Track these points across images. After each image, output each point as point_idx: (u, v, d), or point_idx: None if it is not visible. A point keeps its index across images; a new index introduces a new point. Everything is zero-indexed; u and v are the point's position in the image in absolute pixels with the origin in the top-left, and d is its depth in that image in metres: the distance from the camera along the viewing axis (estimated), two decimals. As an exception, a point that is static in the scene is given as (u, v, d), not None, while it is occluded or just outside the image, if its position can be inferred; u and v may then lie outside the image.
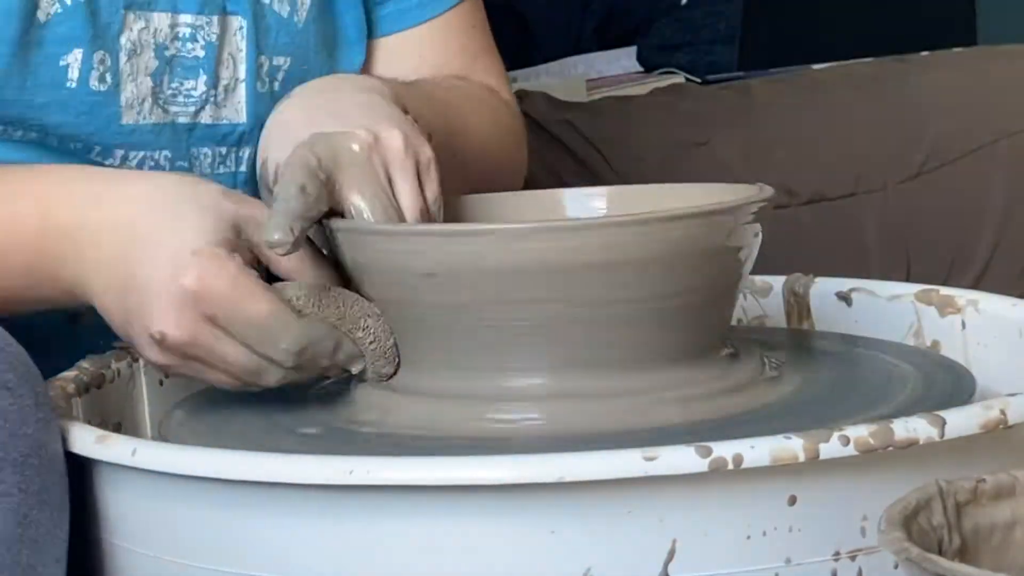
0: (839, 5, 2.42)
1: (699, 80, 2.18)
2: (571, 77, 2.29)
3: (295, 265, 0.92)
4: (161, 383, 1.03)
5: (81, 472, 0.87)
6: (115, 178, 0.98)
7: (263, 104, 1.10)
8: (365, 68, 1.18)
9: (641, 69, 2.42)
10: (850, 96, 1.79)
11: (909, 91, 1.77)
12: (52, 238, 0.95)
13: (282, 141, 0.96)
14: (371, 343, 0.91)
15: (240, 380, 0.91)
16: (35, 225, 0.95)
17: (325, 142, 0.92)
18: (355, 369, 0.92)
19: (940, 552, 0.67)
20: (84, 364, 0.99)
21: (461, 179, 1.07)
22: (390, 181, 0.94)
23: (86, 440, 0.84)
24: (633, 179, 1.48)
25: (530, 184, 1.33)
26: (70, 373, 0.97)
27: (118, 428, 1.00)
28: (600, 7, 2.56)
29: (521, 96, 1.80)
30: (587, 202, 1.04)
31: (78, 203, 0.95)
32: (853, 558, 0.76)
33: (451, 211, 1.04)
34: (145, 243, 0.91)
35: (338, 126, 0.94)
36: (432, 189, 0.95)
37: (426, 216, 0.94)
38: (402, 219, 0.93)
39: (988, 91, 1.76)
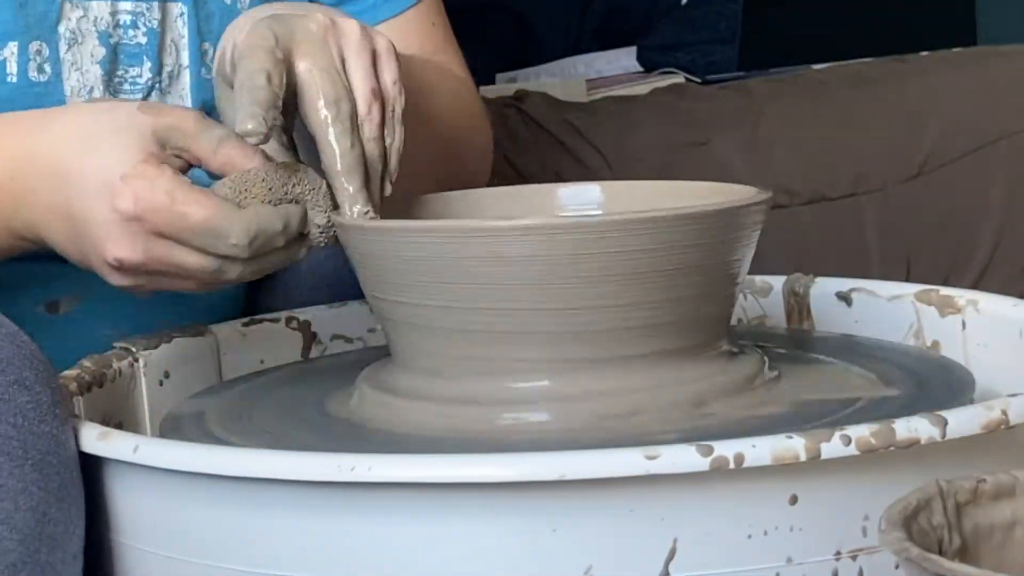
0: (839, 5, 2.42)
1: (699, 80, 2.18)
2: (571, 77, 2.29)
3: (224, 160, 0.94)
4: (161, 383, 1.03)
5: (85, 469, 0.88)
6: (37, 122, 0.98)
7: (207, 90, 1.10)
8: None
9: (641, 69, 2.42)
10: (850, 96, 1.79)
11: (909, 91, 1.77)
12: None
13: (240, 27, 0.97)
14: (310, 192, 0.93)
15: (205, 282, 0.94)
16: None
17: (282, 21, 0.94)
18: (313, 230, 0.93)
19: (940, 552, 0.67)
20: (85, 363, 0.99)
21: (425, 137, 1.07)
22: (344, 63, 0.94)
23: (88, 437, 0.84)
24: (633, 179, 1.48)
25: (530, 183, 1.33)
26: (72, 372, 0.97)
27: (119, 427, 0.99)
28: (600, 7, 2.56)
29: (521, 96, 1.80)
30: (583, 197, 1.04)
31: (7, 155, 0.96)
32: (854, 558, 0.76)
33: (450, 208, 1.04)
34: (75, 180, 0.93)
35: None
36: (390, 72, 0.96)
37: (378, 96, 0.95)
38: (351, 98, 0.93)
39: (988, 91, 1.77)
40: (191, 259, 0.92)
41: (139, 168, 0.91)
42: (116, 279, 0.95)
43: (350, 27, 0.95)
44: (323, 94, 0.93)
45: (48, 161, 0.94)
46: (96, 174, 0.92)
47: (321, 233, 0.94)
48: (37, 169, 0.95)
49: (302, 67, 0.93)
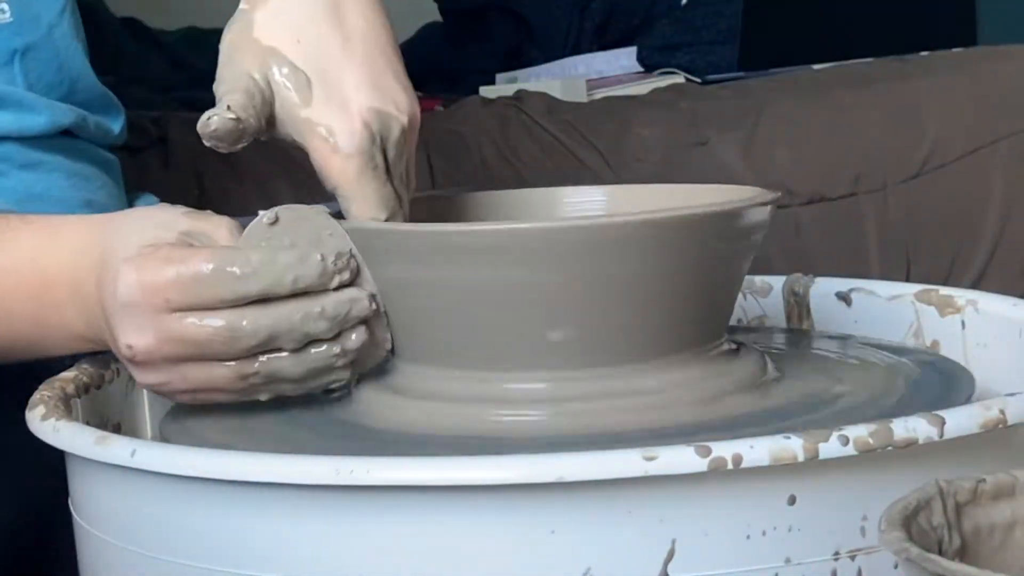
0: (839, 5, 2.42)
1: (699, 80, 2.18)
2: (571, 77, 2.29)
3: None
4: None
5: (81, 472, 0.88)
6: (95, 220, 0.97)
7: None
8: None
9: (641, 69, 2.42)
10: (850, 96, 1.79)
11: (909, 91, 1.77)
12: (49, 287, 0.94)
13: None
14: (331, 243, 0.89)
15: (230, 358, 0.88)
16: (33, 276, 0.95)
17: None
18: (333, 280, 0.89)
19: (940, 552, 0.67)
20: (84, 364, 0.99)
21: None
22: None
23: (85, 441, 0.84)
24: (633, 179, 1.49)
25: (530, 185, 1.33)
26: (69, 374, 0.97)
27: (118, 429, 1.00)
28: (600, 7, 2.56)
29: (521, 96, 1.81)
30: (585, 201, 1.04)
31: (67, 252, 0.94)
32: (853, 558, 0.76)
33: (451, 210, 1.04)
34: (101, 275, 0.90)
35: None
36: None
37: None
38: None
39: (988, 91, 1.77)
40: (205, 325, 0.86)
41: (141, 248, 0.88)
42: (139, 376, 0.90)
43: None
44: None
45: (91, 258, 0.92)
46: (112, 265, 0.89)
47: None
48: (83, 266, 0.93)
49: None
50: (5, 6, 1.12)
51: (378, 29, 0.96)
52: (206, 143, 0.91)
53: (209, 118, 0.90)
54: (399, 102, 0.94)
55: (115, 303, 0.88)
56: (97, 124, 1.18)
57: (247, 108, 0.91)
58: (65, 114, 1.14)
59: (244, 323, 0.87)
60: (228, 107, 0.91)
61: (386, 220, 0.92)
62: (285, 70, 0.93)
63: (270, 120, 0.93)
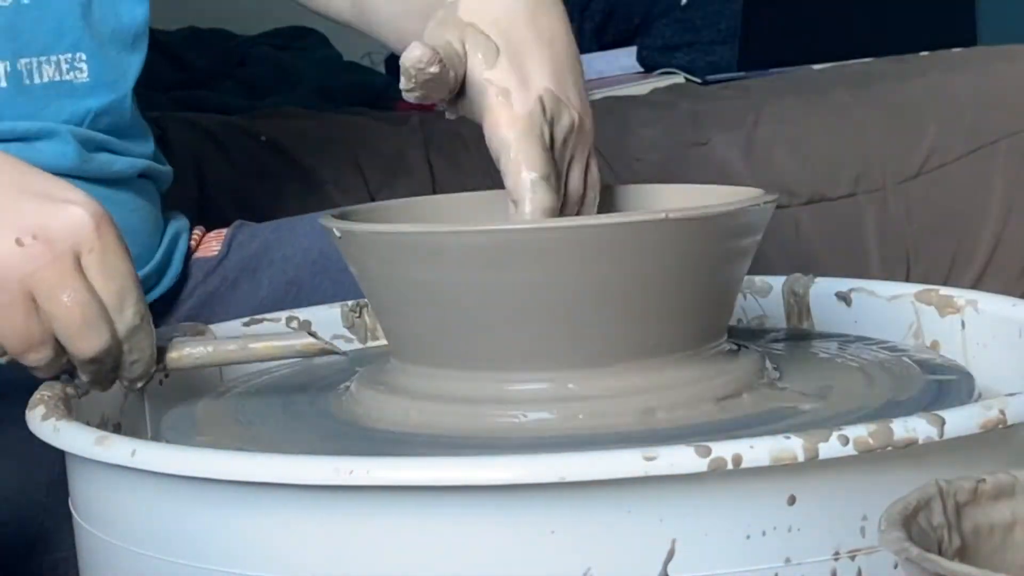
0: (839, 5, 2.42)
1: (699, 80, 2.18)
2: (571, 77, 2.29)
3: None
4: (161, 383, 1.03)
5: (81, 472, 0.88)
6: None
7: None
8: None
9: (641, 69, 2.42)
10: (850, 96, 1.79)
11: (909, 91, 1.77)
12: None
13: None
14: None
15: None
16: None
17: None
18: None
19: (940, 552, 0.67)
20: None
21: None
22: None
23: (85, 441, 0.84)
24: (633, 179, 1.48)
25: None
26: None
27: (118, 429, 1.00)
28: (600, 7, 2.56)
29: (521, 96, 1.80)
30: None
31: None
32: (853, 558, 0.76)
33: (452, 210, 1.04)
34: None
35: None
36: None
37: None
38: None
39: (988, 91, 1.77)
40: None
41: None
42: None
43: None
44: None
45: None
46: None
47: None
48: None
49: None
50: (84, 65, 1.15)
51: (565, 38, 1.04)
52: (405, 88, 0.96)
53: (412, 51, 0.94)
54: (573, 100, 1.00)
55: None
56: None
57: (444, 58, 0.96)
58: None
59: None
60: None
61: (538, 179, 0.95)
62: (480, 38, 0.99)
63: (460, 84, 0.98)
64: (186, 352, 0.96)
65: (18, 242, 0.88)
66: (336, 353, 0.98)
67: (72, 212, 0.90)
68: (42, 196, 0.91)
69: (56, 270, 0.88)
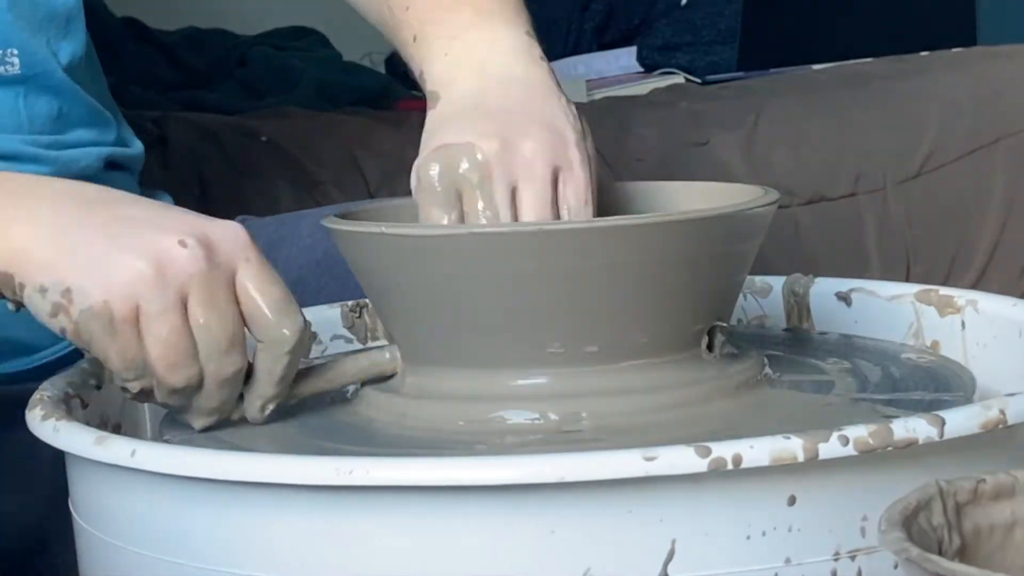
0: (839, 5, 2.42)
1: (699, 80, 2.18)
2: (571, 77, 2.30)
3: None
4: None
5: (81, 472, 0.88)
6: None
7: None
8: None
9: (641, 69, 2.43)
10: (850, 96, 1.79)
11: (909, 91, 1.77)
12: None
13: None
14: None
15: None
16: None
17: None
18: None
19: (940, 552, 0.67)
20: (83, 365, 0.98)
21: None
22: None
23: (85, 441, 0.84)
24: (633, 179, 1.48)
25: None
26: (69, 374, 0.97)
27: (118, 429, 1.00)
28: (600, 7, 2.56)
29: (521, 96, 1.80)
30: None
31: None
32: (853, 558, 0.76)
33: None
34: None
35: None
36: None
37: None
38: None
39: (988, 91, 1.77)
40: None
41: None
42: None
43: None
44: None
45: None
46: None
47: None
48: None
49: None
50: (16, 60, 1.12)
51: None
52: None
53: None
54: (485, 128, 0.95)
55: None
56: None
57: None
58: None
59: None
60: None
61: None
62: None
63: None
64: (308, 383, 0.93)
65: (181, 243, 0.85)
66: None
67: (228, 223, 0.88)
68: (194, 213, 0.89)
69: (216, 277, 0.86)
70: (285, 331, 0.87)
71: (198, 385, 0.87)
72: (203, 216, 0.89)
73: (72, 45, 1.14)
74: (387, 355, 0.93)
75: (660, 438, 0.82)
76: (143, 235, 0.86)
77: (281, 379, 0.89)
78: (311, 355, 1.08)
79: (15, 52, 1.10)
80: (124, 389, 0.88)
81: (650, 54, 2.43)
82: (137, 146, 1.22)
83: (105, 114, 1.19)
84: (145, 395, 0.88)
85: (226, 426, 0.92)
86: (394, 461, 0.76)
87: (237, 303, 0.87)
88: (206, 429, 0.90)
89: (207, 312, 0.85)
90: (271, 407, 0.90)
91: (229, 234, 0.87)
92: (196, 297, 0.85)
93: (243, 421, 0.92)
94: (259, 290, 0.87)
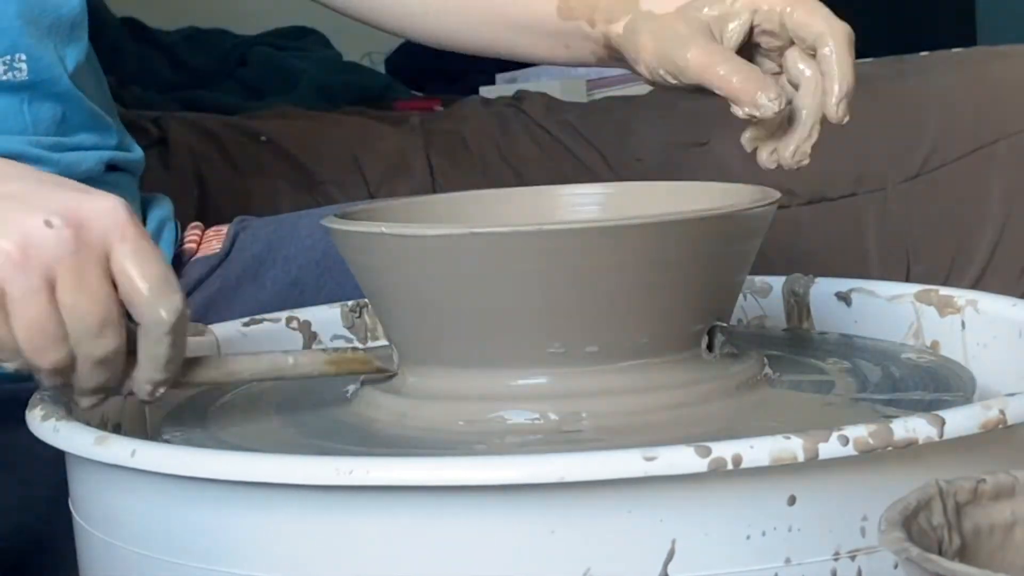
0: (839, 5, 2.42)
1: (699, 80, 2.17)
2: (571, 77, 2.29)
3: None
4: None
5: (81, 472, 0.88)
6: None
7: None
8: None
9: (641, 69, 2.41)
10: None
11: (909, 91, 1.77)
12: None
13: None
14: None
15: None
16: None
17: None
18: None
19: (940, 552, 0.67)
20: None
21: None
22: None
23: (85, 441, 0.84)
24: (633, 179, 1.48)
25: (530, 185, 1.32)
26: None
27: (118, 429, 0.99)
28: (600, 7, 2.55)
29: (521, 96, 1.80)
30: (585, 199, 1.04)
31: None
32: (853, 558, 0.76)
33: (452, 210, 1.04)
34: None
35: None
36: None
37: None
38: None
39: (988, 91, 1.77)
40: None
41: None
42: None
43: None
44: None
45: None
46: None
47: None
48: None
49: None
50: (24, 65, 1.12)
51: None
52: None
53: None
54: None
55: None
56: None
57: None
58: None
59: None
60: None
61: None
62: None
63: None
64: (238, 365, 0.91)
65: (47, 223, 0.83)
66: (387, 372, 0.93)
67: (105, 199, 0.84)
68: (73, 188, 0.86)
69: (86, 257, 0.83)
70: (162, 312, 0.83)
71: (71, 367, 0.85)
72: (82, 191, 0.86)
73: (77, 51, 1.15)
74: (290, 360, 0.91)
75: (660, 438, 0.82)
76: (10, 215, 0.83)
77: (167, 362, 0.85)
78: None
79: (23, 58, 1.11)
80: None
81: (650, 54, 2.42)
82: (137, 152, 1.23)
83: (106, 119, 1.19)
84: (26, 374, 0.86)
85: (226, 426, 0.92)
86: (394, 461, 0.76)
87: (113, 283, 0.84)
88: (93, 407, 0.88)
89: (75, 294, 0.83)
90: (161, 390, 0.87)
91: (104, 210, 0.84)
92: (63, 279, 0.83)
93: (244, 421, 0.92)
94: (135, 269, 0.83)
